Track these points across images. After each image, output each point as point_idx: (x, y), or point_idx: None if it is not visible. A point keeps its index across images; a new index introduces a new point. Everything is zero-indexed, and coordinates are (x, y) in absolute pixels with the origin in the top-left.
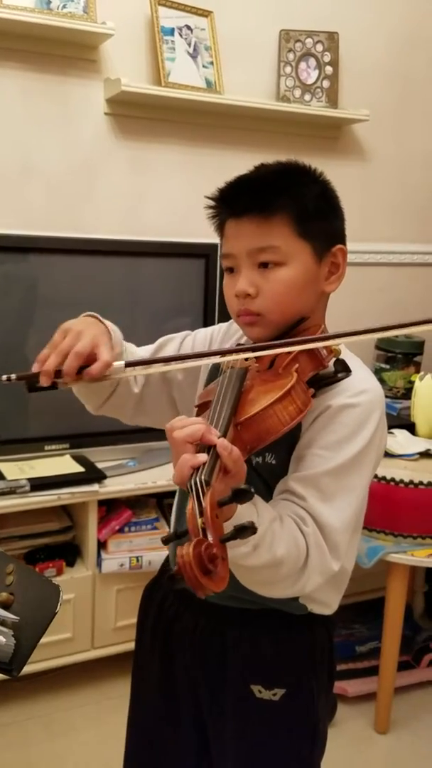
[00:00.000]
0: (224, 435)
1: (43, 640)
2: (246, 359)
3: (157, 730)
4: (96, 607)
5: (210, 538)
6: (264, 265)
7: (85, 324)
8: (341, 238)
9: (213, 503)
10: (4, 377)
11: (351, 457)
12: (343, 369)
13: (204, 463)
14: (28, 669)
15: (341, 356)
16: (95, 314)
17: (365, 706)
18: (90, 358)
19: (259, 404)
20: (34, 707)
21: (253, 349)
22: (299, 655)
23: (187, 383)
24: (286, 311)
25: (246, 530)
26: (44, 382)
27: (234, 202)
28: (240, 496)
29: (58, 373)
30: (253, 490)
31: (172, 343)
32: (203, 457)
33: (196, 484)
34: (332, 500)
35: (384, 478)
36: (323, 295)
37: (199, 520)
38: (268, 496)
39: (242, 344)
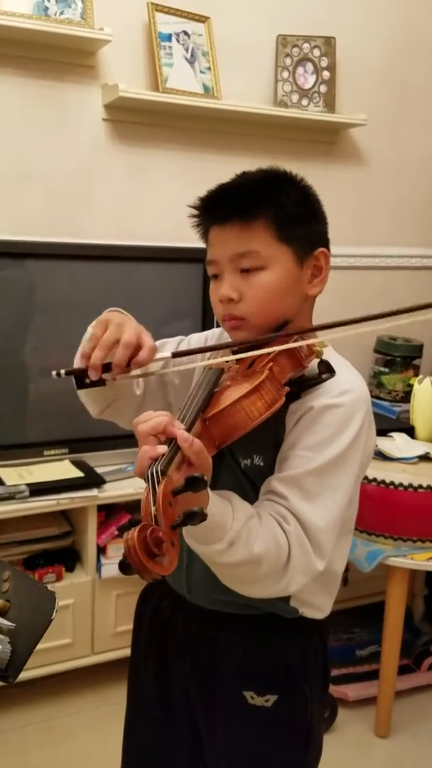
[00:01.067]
0: (189, 429)
1: (43, 645)
2: (227, 361)
3: (152, 734)
4: (95, 612)
5: (161, 525)
6: (246, 270)
7: (121, 317)
8: (324, 242)
9: (166, 492)
10: (54, 373)
11: (334, 456)
12: (327, 370)
13: (163, 455)
14: (27, 675)
15: (326, 357)
16: (119, 309)
17: (366, 710)
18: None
19: (227, 400)
20: (34, 713)
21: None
22: (292, 661)
23: (182, 387)
24: (269, 315)
25: (194, 515)
26: (94, 376)
27: (215, 209)
28: (192, 483)
29: (104, 366)
30: (205, 478)
31: (168, 346)
32: (162, 448)
33: (152, 474)
34: (315, 499)
35: (383, 481)
36: (307, 298)
37: (152, 509)
38: (256, 498)
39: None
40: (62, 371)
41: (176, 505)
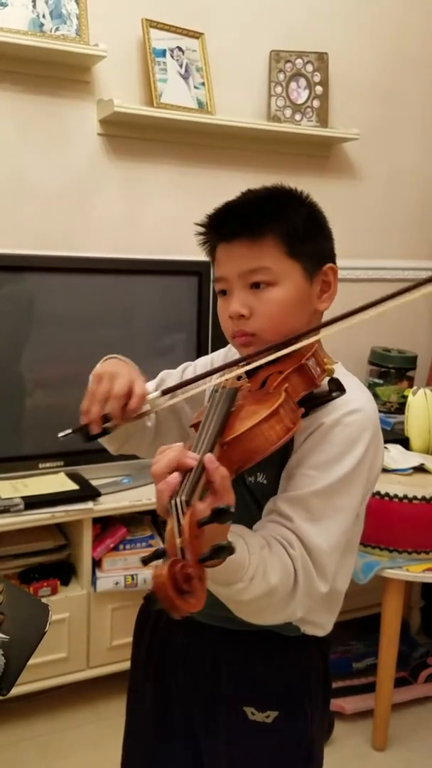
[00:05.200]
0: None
1: (38, 660)
2: (239, 379)
3: (151, 750)
4: (91, 626)
5: (188, 558)
6: (256, 286)
7: (114, 366)
8: (331, 258)
9: (192, 523)
10: (61, 434)
11: (340, 477)
12: (337, 388)
13: (182, 483)
14: (22, 689)
15: (336, 375)
16: (116, 356)
17: (363, 723)
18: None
19: (246, 423)
20: (29, 728)
21: (277, 348)
22: (293, 678)
23: (194, 412)
24: (280, 330)
25: (223, 550)
26: (95, 430)
27: (223, 227)
28: (219, 515)
29: (104, 417)
30: (233, 509)
31: (170, 379)
32: (175, 476)
33: (176, 504)
34: (320, 521)
35: (378, 493)
36: (316, 313)
37: (178, 541)
38: (259, 515)
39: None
40: (69, 431)
41: (202, 537)
